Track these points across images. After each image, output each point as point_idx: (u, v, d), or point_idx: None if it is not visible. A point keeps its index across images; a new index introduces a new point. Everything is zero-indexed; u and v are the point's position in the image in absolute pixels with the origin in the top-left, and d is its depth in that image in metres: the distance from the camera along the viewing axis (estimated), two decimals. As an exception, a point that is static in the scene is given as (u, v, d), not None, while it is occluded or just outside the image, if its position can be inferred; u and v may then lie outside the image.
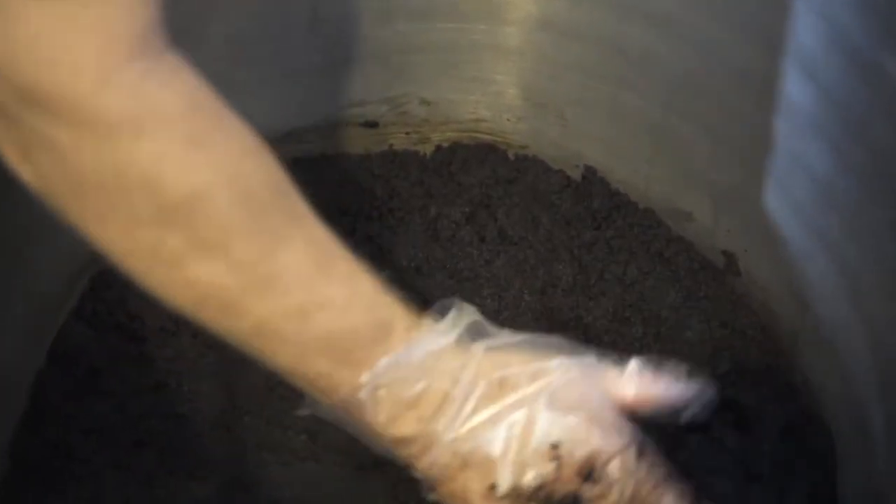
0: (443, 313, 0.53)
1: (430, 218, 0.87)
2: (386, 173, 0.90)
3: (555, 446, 0.50)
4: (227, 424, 0.74)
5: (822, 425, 0.76)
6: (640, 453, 0.52)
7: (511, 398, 0.51)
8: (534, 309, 0.83)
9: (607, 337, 0.82)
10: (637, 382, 0.53)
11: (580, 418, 0.51)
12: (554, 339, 0.55)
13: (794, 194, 0.76)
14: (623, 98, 0.84)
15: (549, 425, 0.50)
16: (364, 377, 0.50)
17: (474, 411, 0.50)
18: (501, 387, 0.51)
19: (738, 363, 0.80)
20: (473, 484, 0.51)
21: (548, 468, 0.50)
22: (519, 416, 0.50)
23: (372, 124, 0.91)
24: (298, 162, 0.89)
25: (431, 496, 0.53)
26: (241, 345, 0.50)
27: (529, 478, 0.50)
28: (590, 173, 0.90)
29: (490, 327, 0.54)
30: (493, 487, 0.51)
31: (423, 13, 0.85)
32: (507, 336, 0.54)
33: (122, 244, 0.47)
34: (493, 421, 0.50)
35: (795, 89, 0.71)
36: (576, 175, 0.90)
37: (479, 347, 0.52)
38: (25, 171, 0.46)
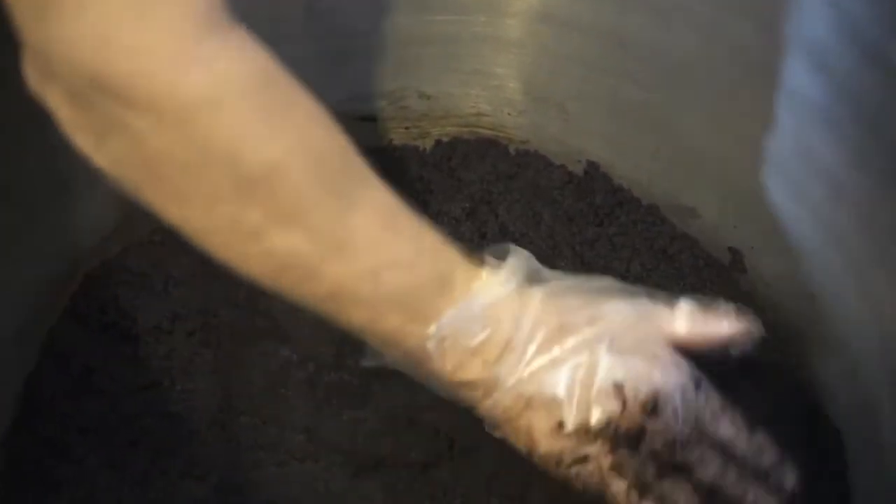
0: (499, 258, 0.56)
1: (430, 214, 0.86)
2: (385, 169, 0.89)
3: (619, 385, 0.53)
4: (223, 423, 0.73)
5: (830, 425, 0.76)
6: (697, 386, 0.56)
7: (571, 342, 0.54)
8: (535, 306, 0.82)
9: (610, 335, 0.81)
10: (688, 320, 0.57)
11: (640, 358, 0.54)
12: (605, 282, 0.58)
13: (802, 188, 0.75)
14: (625, 91, 0.84)
15: (611, 366, 0.53)
16: (431, 328, 0.53)
17: (536, 355, 0.53)
18: (561, 331, 0.54)
19: (744, 361, 0.79)
20: (539, 423, 0.54)
21: (613, 405, 0.53)
22: (582, 358, 0.53)
23: (370, 118, 0.90)
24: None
25: (496, 433, 0.57)
26: (316, 308, 0.53)
27: (596, 415, 0.53)
28: (592, 169, 0.89)
29: (545, 271, 0.57)
30: (559, 425, 0.53)
31: (423, 5, 0.85)
32: (561, 280, 0.57)
33: (200, 221, 0.49)
34: (556, 364, 0.53)
35: (804, 81, 0.71)
36: (578, 170, 0.90)
37: (537, 294, 0.55)
38: (100, 157, 0.47)
